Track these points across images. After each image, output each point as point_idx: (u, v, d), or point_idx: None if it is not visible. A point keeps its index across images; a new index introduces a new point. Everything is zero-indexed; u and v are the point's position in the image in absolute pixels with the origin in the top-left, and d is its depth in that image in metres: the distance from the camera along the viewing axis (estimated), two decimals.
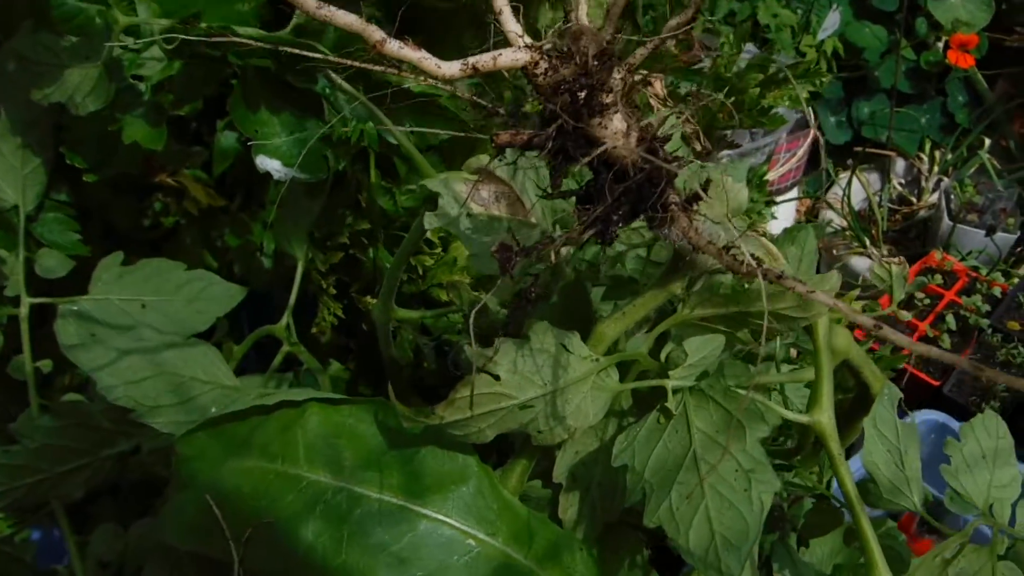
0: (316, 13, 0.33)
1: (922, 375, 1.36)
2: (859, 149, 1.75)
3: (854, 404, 0.65)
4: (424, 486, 0.50)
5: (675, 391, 0.48)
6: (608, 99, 0.36)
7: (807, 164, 1.81)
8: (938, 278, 1.48)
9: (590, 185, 0.37)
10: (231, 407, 0.58)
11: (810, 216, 1.78)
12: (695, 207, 0.37)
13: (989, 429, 0.58)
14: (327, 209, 0.73)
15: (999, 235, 1.60)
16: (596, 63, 0.36)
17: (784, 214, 1.76)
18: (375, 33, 0.34)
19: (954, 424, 1.10)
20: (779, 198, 1.74)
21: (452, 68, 0.35)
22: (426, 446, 0.50)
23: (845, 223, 1.68)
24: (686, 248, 0.39)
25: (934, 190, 1.76)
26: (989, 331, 1.41)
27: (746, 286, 0.48)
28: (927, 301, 1.45)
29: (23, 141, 0.74)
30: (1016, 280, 1.52)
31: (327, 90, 0.63)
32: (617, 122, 0.36)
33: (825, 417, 0.47)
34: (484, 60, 0.35)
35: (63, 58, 0.62)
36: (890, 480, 0.52)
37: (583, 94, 0.35)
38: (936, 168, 1.77)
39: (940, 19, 1.71)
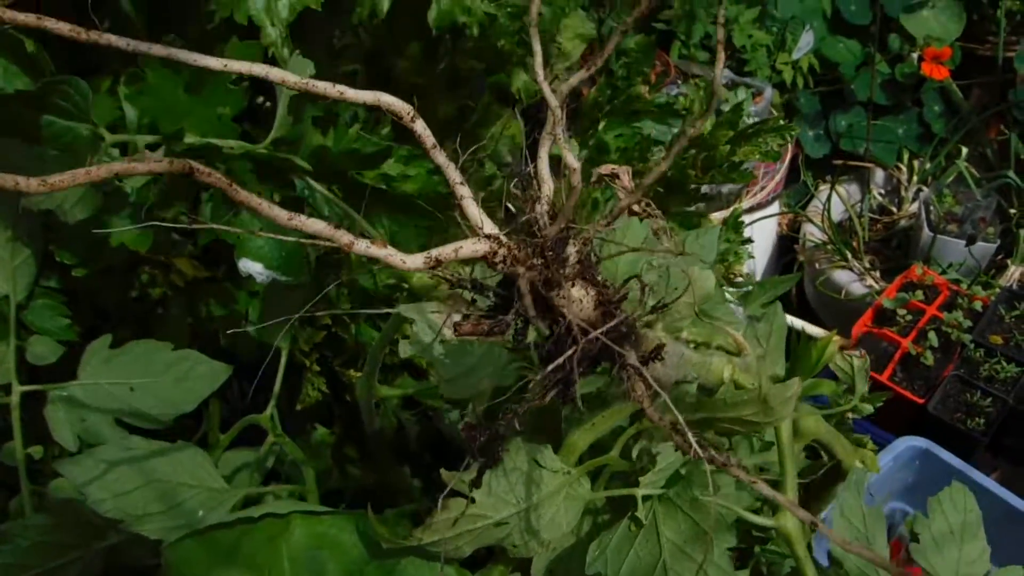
0: (287, 224, 0.35)
1: (906, 393, 1.38)
2: (838, 162, 1.77)
3: (828, 474, 0.67)
4: None
5: (645, 499, 0.50)
6: (565, 274, 0.38)
7: (787, 177, 1.82)
8: (919, 293, 1.50)
9: (551, 344, 0.38)
10: (218, 510, 0.59)
11: (791, 231, 1.80)
12: (648, 371, 0.39)
13: (956, 504, 0.60)
14: (310, 291, 0.74)
15: (979, 245, 1.62)
16: (552, 252, 0.37)
17: (766, 230, 1.78)
18: (343, 237, 0.35)
19: (938, 450, 1.12)
20: (760, 213, 1.76)
21: (416, 261, 0.36)
22: (407, 556, 0.52)
23: (826, 236, 1.69)
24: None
25: (914, 199, 1.78)
26: (972, 346, 1.43)
27: (711, 396, 0.49)
28: (909, 317, 1.47)
29: (14, 233, 0.75)
30: (997, 291, 1.54)
31: (306, 191, 0.65)
32: (575, 292, 0.38)
33: (790, 523, 0.49)
34: (446, 252, 0.37)
35: (51, 168, 0.63)
36: (858, 567, 0.54)
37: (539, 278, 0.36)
38: (915, 178, 1.79)
39: (913, 32, 1.73)
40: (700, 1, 1.63)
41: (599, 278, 0.40)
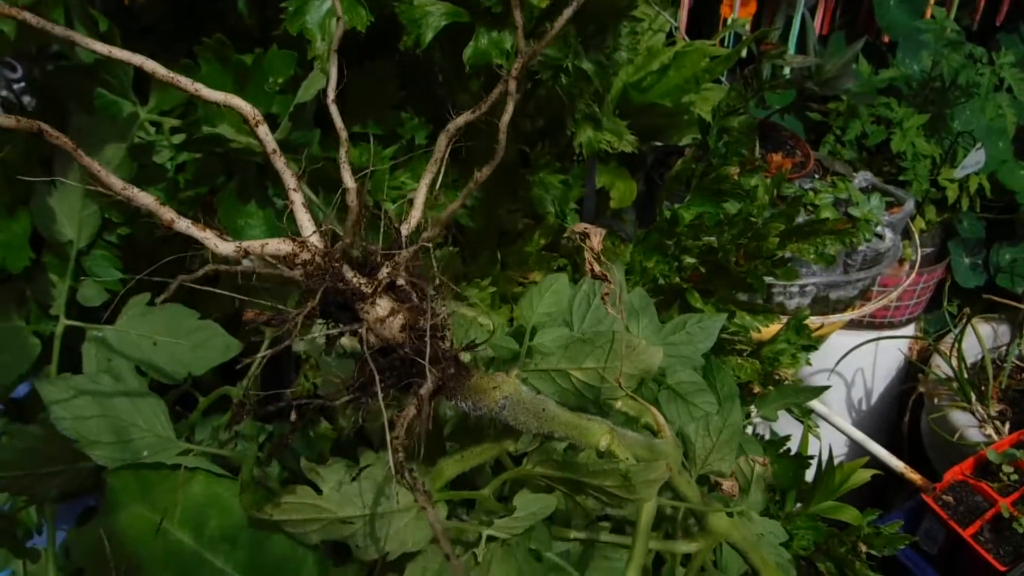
0: (121, 193, 0.39)
1: (988, 556, 1.24)
2: (988, 297, 1.63)
3: None
4: (265, 568, 0.54)
5: (489, 539, 0.50)
6: (368, 289, 0.40)
7: (930, 301, 1.71)
8: None
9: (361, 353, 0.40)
10: (157, 455, 0.65)
11: (921, 359, 1.67)
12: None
13: None
14: None
15: None
16: (353, 275, 0.40)
17: (893, 351, 1.67)
18: (166, 214, 0.39)
19: None
20: (891, 332, 1.65)
21: (227, 248, 0.40)
22: (278, 532, 0.55)
23: (952, 373, 1.56)
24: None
25: None
26: None
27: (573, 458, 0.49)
28: (1015, 476, 1.33)
29: (85, 190, 0.86)
30: None
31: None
32: (379, 309, 0.40)
33: None
34: (254, 246, 0.40)
35: (105, 135, 0.73)
36: None
37: (340, 287, 0.39)
38: None
39: None
40: (864, 98, 1.57)
41: (421, 302, 0.41)
